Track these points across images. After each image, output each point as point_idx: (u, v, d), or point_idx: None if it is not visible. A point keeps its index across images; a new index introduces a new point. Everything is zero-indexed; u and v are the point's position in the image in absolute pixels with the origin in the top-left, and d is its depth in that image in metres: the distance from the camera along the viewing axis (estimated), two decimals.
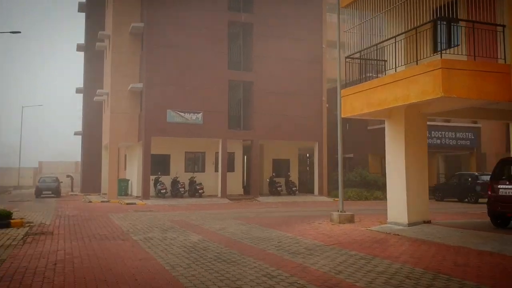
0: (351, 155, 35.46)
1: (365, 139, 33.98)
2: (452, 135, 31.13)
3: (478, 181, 26.39)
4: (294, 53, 28.95)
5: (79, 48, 38.13)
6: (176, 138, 27.45)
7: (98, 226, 14.45)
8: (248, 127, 28.43)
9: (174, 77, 26.53)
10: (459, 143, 31.26)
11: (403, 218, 13.28)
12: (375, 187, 30.06)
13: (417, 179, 13.52)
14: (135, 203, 24.28)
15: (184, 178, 27.80)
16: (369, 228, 13.40)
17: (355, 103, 13.19)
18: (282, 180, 30.42)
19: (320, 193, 29.06)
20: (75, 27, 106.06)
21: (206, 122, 26.84)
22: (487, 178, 27.75)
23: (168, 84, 26.43)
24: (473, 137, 31.65)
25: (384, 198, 29.28)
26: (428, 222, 13.71)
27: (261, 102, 28.10)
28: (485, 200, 27.43)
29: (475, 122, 35.66)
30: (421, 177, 13.73)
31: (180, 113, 26.47)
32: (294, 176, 31.57)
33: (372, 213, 18.65)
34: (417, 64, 11.13)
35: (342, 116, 14.19)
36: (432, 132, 30.54)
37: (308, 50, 29.40)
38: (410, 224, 13.18)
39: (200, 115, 26.77)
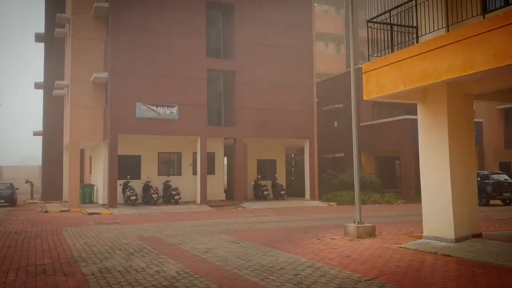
0: (341, 155, 32.44)
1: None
2: None
3: (488, 181, 23.63)
4: (280, 39, 25.70)
5: (38, 38, 33.99)
6: (147, 136, 23.84)
7: (41, 248, 10.82)
8: (230, 123, 25.03)
9: (144, 65, 22.94)
10: None
11: (448, 232, 10.11)
12: (371, 189, 27.04)
13: (464, 182, 10.38)
14: (99, 213, 20.57)
15: (158, 182, 24.20)
16: (402, 246, 10.20)
17: (385, 79, 9.97)
18: (268, 183, 27.10)
19: (312, 197, 25.87)
20: (36, 15, 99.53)
21: (182, 117, 23.33)
22: (499, 177, 25.13)
23: (138, 73, 22.82)
24: (474, 133, 28.91)
25: (383, 201, 26.38)
26: (479, 235, 10.58)
27: (245, 95, 24.75)
28: (498, 201, 25.27)
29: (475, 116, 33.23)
30: (469, 178, 10.61)
31: (152, 107, 22.89)
32: (281, 178, 28.30)
33: (385, 222, 15.50)
34: (484, 17, 7.96)
35: (365, 98, 10.96)
36: None
37: (297, 36, 26.20)
38: (457, 240, 10.03)
39: (175, 109, 23.24)
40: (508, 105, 33.53)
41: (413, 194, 26.83)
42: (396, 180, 32.24)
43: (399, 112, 32.88)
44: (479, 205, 24.17)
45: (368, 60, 10.60)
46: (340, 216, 17.97)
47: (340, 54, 41.93)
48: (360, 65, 34.27)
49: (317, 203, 25.08)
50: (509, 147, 34.06)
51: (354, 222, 12.00)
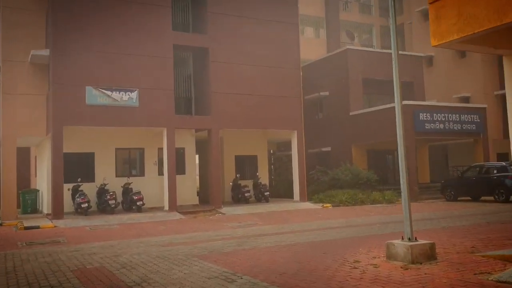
0: (328, 149, 28.70)
1: (346, 128, 27.27)
2: (456, 117, 25.03)
3: (508, 173, 20.26)
4: (261, 12, 21.64)
5: None
6: (101, 129, 19.41)
7: None
8: (203, 111, 20.81)
9: (95, 41, 18.47)
10: (464, 128, 25.23)
11: None
12: (368, 187, 23.35)
13: None
14: (38, 227, 16.01)
15: (116, 185, 19.77)
16: (494, 278, 6.35)
17: (476, 8, 6.03)
18: (249, 183, 23.03)
19: (302, 198, 21.94)
20: None
21: (144, 105, 18.98)
22: None
23: (87, 50, 18.33)
24: (478, 120, 25.74)
25: (384, 200, 22.75)
26: None
27: (221, 77, 20.58)
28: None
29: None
30: None
31: (106, 92, 18.45)
32: (264, 177, 24.28)
33: (419, 229, 11.67)
34: None
35: (436, 43, 6.96)
36: (434, 114, 24.31)
37: (280, 8, 22.19)
38: None
39: (134, 95, 18.86)
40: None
41: (415, 191, 23.27)
42: (391, 175, 28.72)
43: (392, 100, 29.36)
44: (498, 201, 21.15)
45: None
46: (350, 223, 14.11)
47: (320, 38, 38.19)
48: (348, 46, 30.75)
49: (308, 205, 21.16)
50: (508, 137, 31.03)
51: (402, 239, 8.08)
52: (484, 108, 26.43)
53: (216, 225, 15.06)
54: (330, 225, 13.92)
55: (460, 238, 10.18)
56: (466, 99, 31.32)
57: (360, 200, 21.37)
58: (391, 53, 8.50)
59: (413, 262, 7.57)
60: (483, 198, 22.24)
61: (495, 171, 20.84)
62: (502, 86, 31.52)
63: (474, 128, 25.53)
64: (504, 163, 21.11)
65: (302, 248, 9.65)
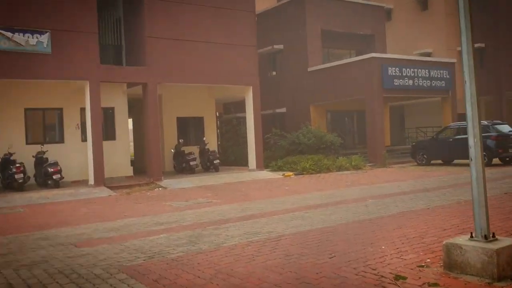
0: (283, 110, 25.47)
1: (303, 86, 24.07)
2: (425, 73, 22.45)
3: (490, 134, 17.94)
4: None
5: None
6: (4, 83, 14.97)
7: None
8: (137, 61, 16.73)
9: None
10: (433, 85, 22.76)
11: None
12: (331, 152, 20.43)
13: None
14: None
15: (26, 155, 15.51)
16: None
17: None
18: (195, 150, 19.41)
19: (259, 166, 18.64)
20: None
21: (59, 52, 14.67)
22: (502, 128, 19.65)
23: None
24: (448, 77, 23.35)
25: (351, 167, 19.91)
26: None
27: (158, 19, 16.49)
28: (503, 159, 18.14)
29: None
30: None
31: (5, 33, 13.95)
32: (212, 142, 20.71)
33: (414, 213, 8.64)
34: None
35: None
36: (403, 69, 21.57)
37: None
38: None
39: (45, 38, 14.47)
40: (477, 44, 28.43)
41: (384, 155, 20.64)
42: (350, 138, 26.04)
43: (353, 54, 26.43)
44: None
45: None
46: (331, 198, 10.97)
47: None
48: None
49: (267, 174, 17.92)
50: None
51: (472, 236, 4.91)
52: (453, 63, 24.06)
53: (156, 205, 11.43)
54: (307, 201, 10.70)
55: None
56: (427, 55, 28.97)
57: (326, 167, 18.38)
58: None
59: (499, 279, 4.45)
60: (459, 161, 19.97)
61: None
62: None
63: (443, 85, 23.13)
64: (486, 122, 18.77)
65: (292, 246, 6.30)
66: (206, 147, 19.37)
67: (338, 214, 8.71)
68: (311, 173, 17.82)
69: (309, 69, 23.73)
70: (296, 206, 10.06)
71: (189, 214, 9.72)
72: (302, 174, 17.79)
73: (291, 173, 17.72)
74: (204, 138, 19.90)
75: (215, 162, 18.72)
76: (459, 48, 29.69)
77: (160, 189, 15.03)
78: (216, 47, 17.50)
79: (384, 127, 21.55)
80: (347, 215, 8.55)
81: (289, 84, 24.86)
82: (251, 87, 18.50)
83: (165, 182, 15.95)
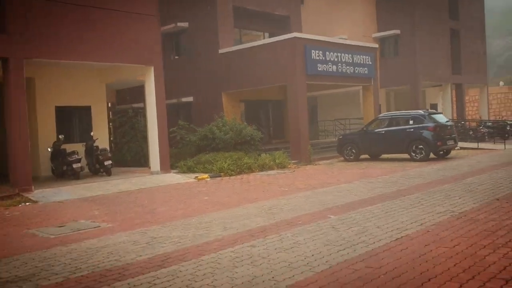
0: (190, 99, 21.90)
1: (214, 71, 20.69)
2: (349, 58, 20.19)
3: (427, 124, 16.03)
4: None
5: None
6: None
7: None
8: None
9: None
10: (356, 72, 20.57)
11: None
12: (252, 147, 17.32)
13: None
14: None
15: None
16: None
17: None
18: (80, 149, 15.19)
19: (164, 167, 14.94)
20: None
21: None
22: (440, 117, 17.77)
23: None
24: (370, 63, 21.35)
25: (276, 166, 16.76)
26: None
27: None
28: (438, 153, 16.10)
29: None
30: None
31: None
32: (103, 139, 16.55)
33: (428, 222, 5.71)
34: None
35: None
36: (327, 53, 19.07)
37: None
38: None
39: None
40: (392, 31, 27.07)
41: (309, 151, 17.99)
42: (266, 132, 23.16)
43: (269, 36, 23.52)
44: (416, 160, 14.72)
45: None
46: (278, 214, 7.75)
47: None
48: None
49: (175, 177, 14.28)
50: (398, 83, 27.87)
51: None
52: (376, 49, 22.16)
53: (10, 236, 7.38)
54: (244, 222, 7.38)
55: None
56: None
57: (247, 166, 15.20)
58: None
59: None
60: (388, 156, 17.93)
61: (411, 122, 16.44)
62: (381, 28, 27.97)
63: (366, 72, 21.06)
64: (422, 111, 16.83)
65: None
66: (95, 144, 15.22)
67: (302, 249, 5.50)
68: (231, 175, 14.53)
69: (221, 51, 20.38)
70: (231, 232, 6.69)
71: (58, 258, 5.90)
72: (220, 176, 14.43)
73: (205, 176, 14.26)
74: (92, 133, 15.69)
75: (106, 163, 14.65)
76: (375, 35, 28.43)
77: (27, 204, 10.77)
78: (106, 15, 13.46)
79: (307, 119, 18.89)
80: (320, 251, 5.37)
81: (197, 68, 21.32)
82: (152, 67, 14.70)
83: (36, 193, 11.68)
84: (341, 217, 7.26)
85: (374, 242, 5.60)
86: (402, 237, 5.80)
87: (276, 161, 16.34)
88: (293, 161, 17.36)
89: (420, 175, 12.05)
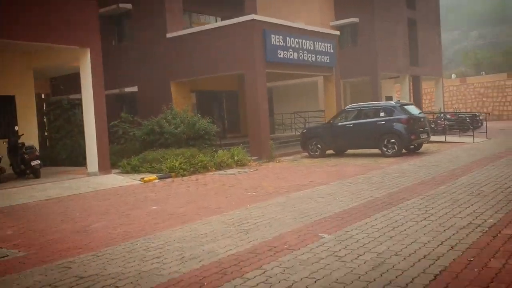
0: (134, 89, 19.58)
1: (162, 58, 18.50)
2: (311, 45, 18.58)
3: (400, 116, 14.66)
4: None
5: None
6: None
7: None
8: None
9: None
10: (318, 60, 19.01)
11: None
12: (206, 143, 15.33)
13: None
14: None
15: None
16: None
17: None
18: (1, 146, 12.68)
19: (104, 167, 12.69)
20: None
21: None
22: (412, 109, 16.39)
23: None
24: (332, 51, 19.85)
25: (234, 163, 14.64)
26: None
27: None
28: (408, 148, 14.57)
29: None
30: None
31: None
32: (31, 135, 14.03)
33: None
34: None
35: None
36: (288, 38, 17.35)
37: None
38: None
39: None
40: (350, 19, 25.71)
41: (271, 146, 16.24)
42: (225, 125, 21.20)
43: (225, 17, 21.49)
44: (386, 156, 12.77)
45: None
46: (253, 231, 5.83)
47: None
48: None
49: (117, 179, 12.08)
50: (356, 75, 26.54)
51: None
52: (337, 36, 20.67)
53: None
54: (209, 246, 5.46)
55: None
56: None
57: (202, 164, 13.22)
58: None
59: None
60: (355, 151, 16.49)
61: (382, 114, 15.00)
62: (339, 16, 26.60)
63: (327, 60, 19.55)
64: (393, 102, 15.43)
65: None
66: (20, 140, 12.73)
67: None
68: (183, 175, 12.50)
69: (169, 36, 18.18)
70: (192, 267, 4.74)
71: None
72: (170, 177, 12.37)
73: (153, 177, 12.15)
74: (17, 128, 13.18)
75: (33, 163, 12.23)
76: (332, 23, 27.03)
77: None
78: None
79: (268, 111, 17.11)
80: None
81: (142, 55, 19.02)
82: (88, 50, 12.38)
83: None
84: (337, 235, 5.50)
85: (406, 285, 3.84)
86: (440, 272, 4.09)
87: (235, 158, 14.46)
88: (253, 158, 15.54)
89: (403, 174, 10.55)
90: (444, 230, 5.46)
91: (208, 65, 17.22)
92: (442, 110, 30.52)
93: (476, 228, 5.49)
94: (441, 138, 19.27)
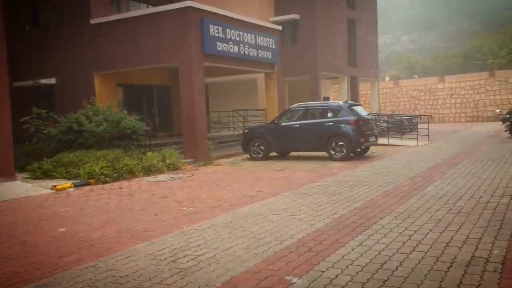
0: (52, 81, 17.19)
1: (84, 47, 16.28)
2: (252, 39, 17.16)
3: (349, 118, 13.61)
4: None
5: None
6: None
7: None
8: None
9: None
10: (260, 55, 17.63)
11: None
12: (133, 143, 13.41)
13: None
14: None
15: None
16: None
17: None
18: None
19: (6, 172, 10.47)
20: None
21: None
22: (360, 110, 15.29)
23: None
24: (274, 47, 18.56)
25: (166, 167, 12.61)
26: None
27: None
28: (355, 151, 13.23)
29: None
30: None
31: None
32: None
33: None
34: None
35: None
36: (228, 30, 15.81)
37: None
38: None
39: None
40: (290, 15, 24.57)
41: (208, 147, 14.63)
42: (156, 124, 19.24)
43: (158, 4, 19.49)
44: (336, 159, 11.29)
45: None
46: (178, 257, 4.23)
47: None
48: None
49: (22, 187, 9.93)
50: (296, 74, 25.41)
51: None
52: (279, 31, 19.40)
53: None
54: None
55: None
56: None
57: (128, 169, 11.34)
58: None
59: None
60: (300, 154, 15.27)
61: (329, 114, 13.83)
62: (279, 12, 25.40)
63: (270, 56, 18.23)
64: (341, 103, 14.30)
65: None
66: None
67: None
68: (105, 182, 10.58)
69: (93, 22, 15.99)
70: None
71: None
72: (89, 184, 10.41)
73: (68, 184, 10.13)
74: None
75: None
76: (272, 19, 25.75)
77: None
78: None
79: (205, 108, 15.45)
80: None
81: (61, 42, 16.66)
82: None
83: None
84: (310, 279, 4.04)
85: None
86: None
87: (167, 161, 12.70)
88: (188, 161, 13.85)
89: (360, 182, 9.33)
90: (448, 269, 4.17)
91: (138, 56, 15.28)
92: (378, 112, 30.28)
93: (486, 264, 4.25)
94: (385, 140, 18.54)
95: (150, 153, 12.73)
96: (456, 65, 47.21)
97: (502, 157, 12.70)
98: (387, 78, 43.85)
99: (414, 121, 25.66)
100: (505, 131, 19.75)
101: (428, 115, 24.18)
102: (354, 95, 29.19)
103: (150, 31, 14.96)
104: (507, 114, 20.32)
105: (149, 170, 11.95)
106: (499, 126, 27.57)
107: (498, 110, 23.91)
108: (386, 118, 25.24)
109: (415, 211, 6.55)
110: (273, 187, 9.13)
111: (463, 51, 49.14)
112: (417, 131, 18.36)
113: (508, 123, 19.56)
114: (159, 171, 12.17)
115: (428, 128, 19.62)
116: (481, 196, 7.39)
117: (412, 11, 67.72)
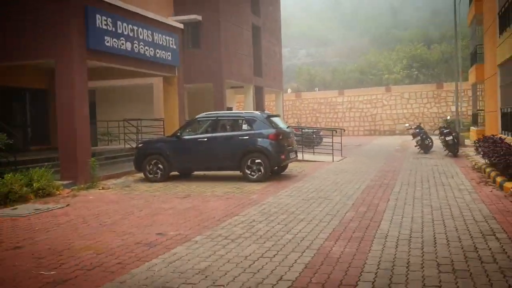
0: None
1: None
2: (149, 36, 14.53)
3: (269, 130, 11.61)
4: None
5: None
6: None
7: None
8: None
9: None
10: (158, 56, 15.05)
11: None
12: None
13: None
14: None
15: None
16: None
17: None
18: None
19: None
20: None
21: None
22: (278, 121, 13.14)
23: None
24: (174, 47, 16.09)
25: (34, 195, 9.18)
26: None
27: None
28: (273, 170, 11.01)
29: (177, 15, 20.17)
30: None
31: None
32: None
33: None
34: None
35: None
36: (120, 23, 13.07)
37: None
38: None
39: None
40: (192, 16, 22.18)
41: (92, 166, 11.67)
42: (28, 135, 15.68)
43: None
44: (249, 180, 8.70)
45: None
46: None
47: None
48: None
49: None
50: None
51: None
52: (181, 30, 16.98)
53: None
54: None
55: None
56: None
57: None
58: None
59: None
60: (204, 173, 12.91)
61: (244, 127, 11.67)
62: (178, 11, 22.94)
63: (169, 58, 15.74)
64: (258, 113, 12.20)
65: None
66: None
67: None
68: None
69: None
70: None
71: None
72: None
73: None
74: None
75: None
76: (171, 18, 23.16)
77: None
78: None
79: (88, 116, 12.44)
80: None
81: None
82: None
83: None
84: None
85: None
86: None
87: (35, 185, 9.66)
88: (65, 183, 10.84)
89: (293, 215, 7.22)
90: None
91: (3, 49, 11.92)
92: (289, 125, 28.91)
93: None
94: (299, 156, 16.86)
95: (10, 174, 9.54)
96: (354, 79, 48.11)
97: (432, 176, 11.47)
98: (289, 90, 43.20)
99: (320, 134, 24.62)
100: (416, 146, 19.15)
101: (341, 129, 23.10)
102: (260, 106, 27.51)
103: (17, 18, 11.74)
104: (416, 128, 19.81)
105: (7, 199, 8.83)
106: (399, 140, 27.70)
107: (407, 125, 23.68)
108: (294, 131, 23.78)
109: (391, 269, 4.54)
110: (179, 226, 6.66)
111: (359, 66, 50.34)
112: (332, 146, 16.87)
113: (418, 137, 18.98)
114: (22, 199, 9.10)
115: (341, 143, 18.35)
116: (460, 238, 5.63)
117: (308, 26, 68.84)
